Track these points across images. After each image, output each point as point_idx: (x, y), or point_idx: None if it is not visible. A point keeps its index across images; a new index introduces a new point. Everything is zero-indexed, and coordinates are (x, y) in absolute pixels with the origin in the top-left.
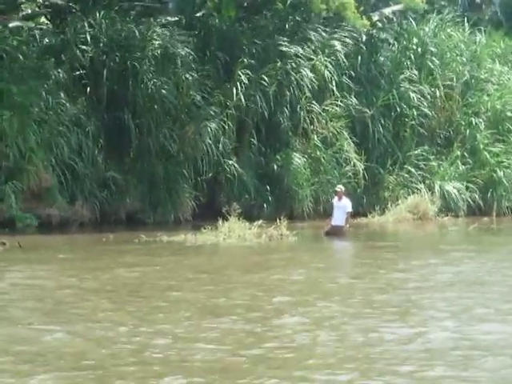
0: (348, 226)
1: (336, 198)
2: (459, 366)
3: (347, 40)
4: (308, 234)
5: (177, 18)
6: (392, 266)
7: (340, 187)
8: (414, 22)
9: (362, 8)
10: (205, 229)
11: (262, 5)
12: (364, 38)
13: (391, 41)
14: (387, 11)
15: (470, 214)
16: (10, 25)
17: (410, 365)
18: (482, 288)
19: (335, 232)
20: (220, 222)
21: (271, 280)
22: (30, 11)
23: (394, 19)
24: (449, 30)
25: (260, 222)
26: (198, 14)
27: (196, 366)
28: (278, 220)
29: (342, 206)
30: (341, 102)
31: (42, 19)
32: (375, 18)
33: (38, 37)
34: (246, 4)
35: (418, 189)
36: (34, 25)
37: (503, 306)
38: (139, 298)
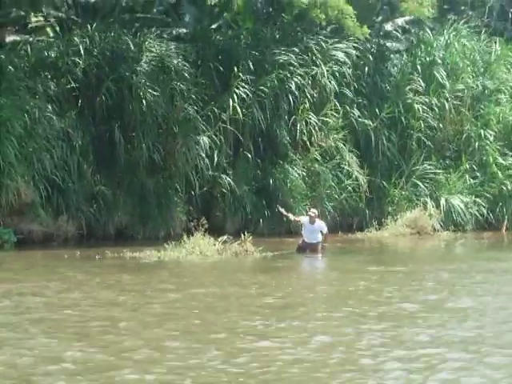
0: (326, 244)
1: (307, 219)
2: None
3: (350, 51)
4: (276, 250)
5: (185, 30)
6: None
7: (313, 211)
8: (430, 32)
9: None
10: (168, 245)
11: (270, 16)
12: (372, 48)
13: (403, 52)
14: (400, 21)
15: (479, 229)
16: (7, 39)
17: None
18: None
19: (309, 248)
20: (185, 237)
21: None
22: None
23: (411, 29)
24: (464, 40)
25: (225, 237)
26: (213, 26)
27: None
28: (243, 236)
29: (317, 228)
30: (342, 113)
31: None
32: (388, 28)
33: (30, 50)
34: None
35: (423, 203)
36: (31, 38)
37: None
38: None
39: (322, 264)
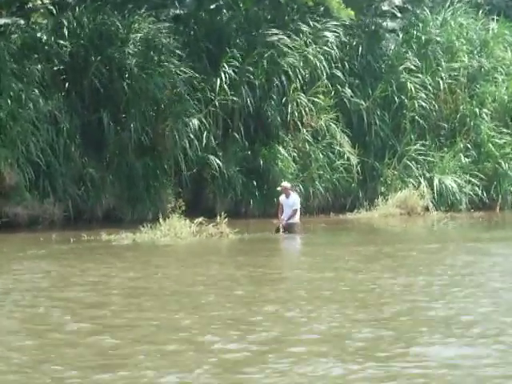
0: (297, 222)
1: (283, 196)
2: None
3: (340, 31)
4: (255, 232)
5: (178, 12)
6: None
7: (285, 184)
8: (427, 11)
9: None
10: (143, 227)
11: None
12: (367, 28)
13: (399, 31)
14: (396, 0)
15: (473, 209)
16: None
17: None
18: None
19: (287, 229)
20: (161, 219)
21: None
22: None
23: (410, 8)
24: (461, 19)
25: (201, 219)
26: (212, 7)
27: None
28: (218, 216)
29: (291, 203)
30: (333, 93)
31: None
32: (384, 7)
33: (19, 33)
34: None
35: (416, 183)
36: (22, 21)
37: None
38: None
39: (293, 245)
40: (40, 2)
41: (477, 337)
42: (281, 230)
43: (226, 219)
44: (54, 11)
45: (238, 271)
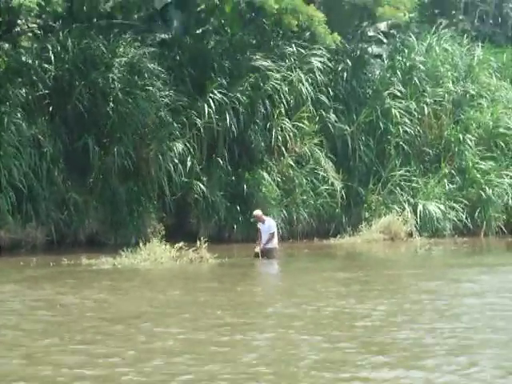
0: (275, 247)
1: (260, 223)
2: None
3: (326, 56)
4: (234, 257)
5: (166, 36)
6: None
7: (256, 212)
8: (413, 37)
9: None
10: (123, 251)
11: (251, 21)
12: (353, 53)
13: (385, 56)
14: (382, 26)
15: (457, 235)
16: None
17: None
18: None
19: (266, 254)
20: (141, 244)
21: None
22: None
23: (396, 34)
24: (446, 45)
25: (181, 244)
26: (198, 31)
27: None
28: (198, 241)
29: (267, 228)
30: (318, 118)
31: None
32: (370, 33)
33: (4, 57)
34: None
35: (400, 209)
36: (6, 45)
37: None
38: None
39: (271, 269)
40: (26, 27)
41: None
42: (259, 255)
43: (206, 244)
44: (40, 35)
45: (199, 297)
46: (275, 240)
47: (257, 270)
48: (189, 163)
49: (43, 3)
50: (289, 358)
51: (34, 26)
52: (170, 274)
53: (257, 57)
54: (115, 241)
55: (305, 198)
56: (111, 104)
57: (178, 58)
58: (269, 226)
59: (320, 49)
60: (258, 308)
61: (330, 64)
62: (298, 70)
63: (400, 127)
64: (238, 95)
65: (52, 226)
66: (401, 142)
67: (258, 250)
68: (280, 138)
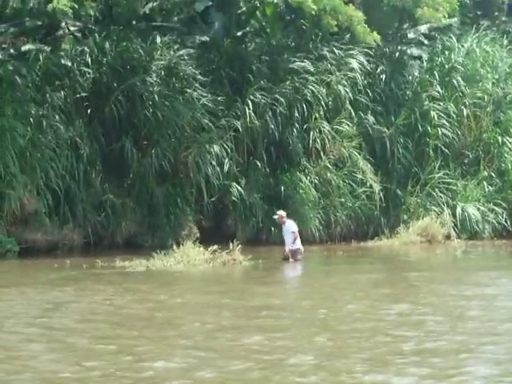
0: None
1: (282, 224)
2: None
3: (365, 58)
4: (268, 259)
5: (207, 39)
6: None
7: (280, 213)
8: (454, 39)
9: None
10: (157, 253)
11: (291, 23)
12: (393, 55)
13: (424, 59)
14: (423, 28)
15: (497, 237)
16: (22, 48)
17: None
18: None
19: (292, 255)
20: (174, 246)
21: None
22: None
23: (437, 36)
24: (486, 47)
25: (215, 246)
26: (238, 34)
27: None
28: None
29: (288, 228)
30: (356, 121)
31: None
32: (410, 35)
33: (42, 59)
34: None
35: (438, 211)
36: (46, 48)
37: None
38: None
39: (295, 271)
40: (67, 30)
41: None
42: (289, 257)
43: (240, 246)
44: (79, 38)
45: (220, 299)
46: (298, 241)
47: (284, 272)
48: (227, 165)
49: (77, 6)
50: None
51: (75, 28)
52: (201, 276)
53: (295, 59)
54: (152, 243)
55: (342, 200)
56: (149, 107)
57: (216, 60)
58: (289, 225)
59: (359, 50)
60: (310, 311)
61: (368, 66)
62: (336, 71)
63: (439, 129)
64: (278, 96)
65: (89, 228)
66: (439, 144)
67: (287, 251)
68: (318, 140)
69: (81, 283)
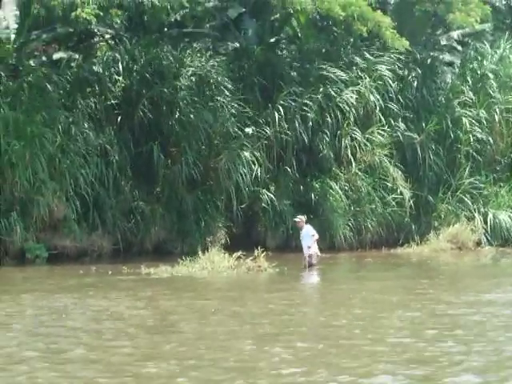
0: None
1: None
2: None
3: (395, 64)
4: (294, 265)
5: (238, 45)
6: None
7: (300, 217)
8: (487, 45)
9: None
10: (183, 260)
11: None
12: (425, 61)
13: (455, 65)
14: (456, 34)
15: None
16: (54, 56)
17: None
18: None
19: (311, 260)
20: (200, 252)
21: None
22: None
23: (470, 42)
24: None
25: (239, 253)
26: (272, 40)
27: None
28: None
29: (305, 234)
30: (387, 128)
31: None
32: (443, 41)
33: (75, 67)
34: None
35: (469, 218)
36: (77, 55)
37: None
38: None
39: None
40: (100, 37)
41: None
42: (313, 262)
43: (265, 253)
44: (112, 45)
45: (232, 306)
46: (315, 245)
47: (306, 279)
48: (257, 172)
49: (102, 14)
50: None
51: (108, 36)
52: (224, 282)
53: (326, 66)
54: (182, 249)
55: (373, 207)
56: (178, 114)
57: (246, 66)
58: (308, 229)
59: (389, 56)
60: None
61: (399, 72)
62: (366, 78)
63: (470, 135)
64: (308, 102)
65: (118, 235)
66: (471, 151)
67: (307, 258)
68: (349, 147)
69: (86, 290)
